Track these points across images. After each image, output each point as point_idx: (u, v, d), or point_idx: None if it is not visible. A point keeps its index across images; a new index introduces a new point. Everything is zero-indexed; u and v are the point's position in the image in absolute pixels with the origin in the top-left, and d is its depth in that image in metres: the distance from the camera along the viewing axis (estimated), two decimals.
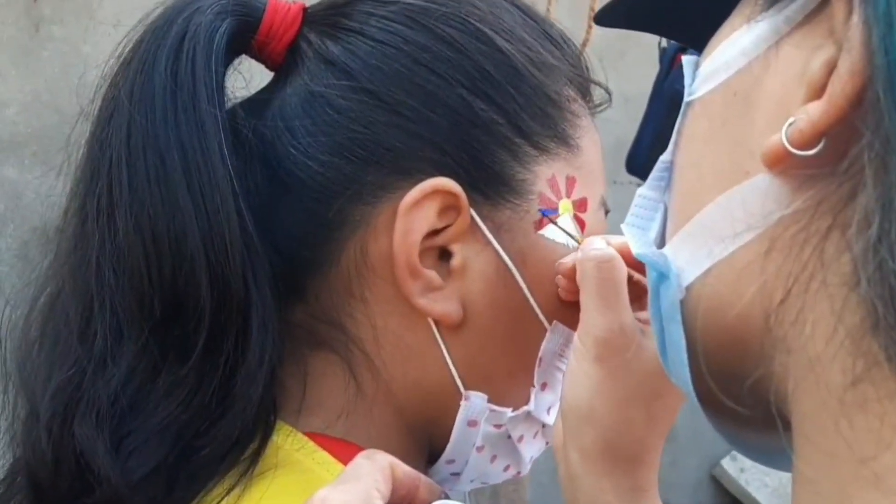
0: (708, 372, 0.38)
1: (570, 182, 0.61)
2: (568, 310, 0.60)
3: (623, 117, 2.14)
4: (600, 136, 0.65)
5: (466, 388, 0.60)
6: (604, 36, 1.78)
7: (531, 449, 0.65)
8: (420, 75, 0.58)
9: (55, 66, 1.98)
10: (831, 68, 0.33)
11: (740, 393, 0.37)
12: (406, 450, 0.60)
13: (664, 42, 2.25)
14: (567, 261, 0.59)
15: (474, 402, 0.60)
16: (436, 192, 0.57)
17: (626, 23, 0.54)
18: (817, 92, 0.33)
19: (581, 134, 0.62)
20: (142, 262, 0.55)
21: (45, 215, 0.62)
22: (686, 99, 0.43)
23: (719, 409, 0.39)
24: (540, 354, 0.61)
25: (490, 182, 0.58)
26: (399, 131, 0.57)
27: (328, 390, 0.60)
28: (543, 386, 0.62)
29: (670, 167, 0.44)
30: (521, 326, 0.60)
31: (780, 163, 0.35)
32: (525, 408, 0.62)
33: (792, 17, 0.36)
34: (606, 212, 0.64)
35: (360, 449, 0.57)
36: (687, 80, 0.43)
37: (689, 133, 0.42)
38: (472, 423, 0.61)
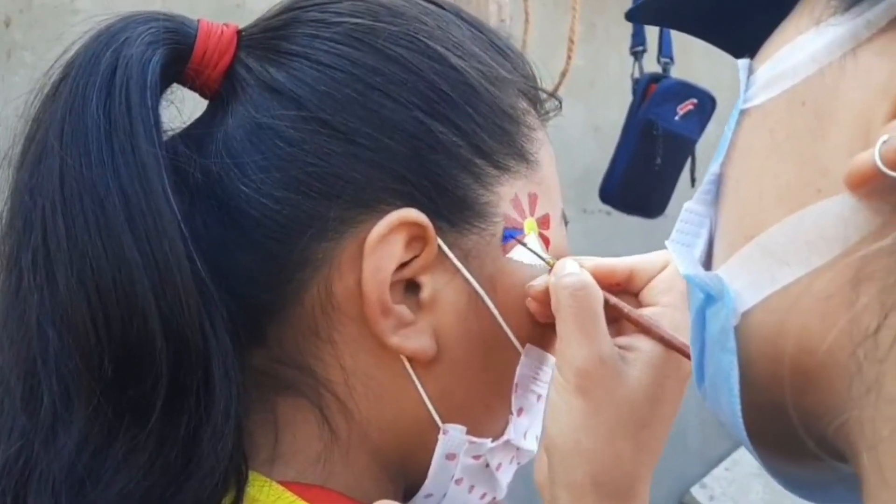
0: (793, 407, 0.35)
1: (533, 199, 0.59)
2: (540, 330, 0.59)
3: (592, 146, 2.16)
4: (554, 151, 0.63)
5: (443, 421, 0.58)
6: (573, 66, 1.80)
7: (508, 475, 0.63)
8: (373, 100, 0.55)
9: (26, 93, 1.97)
10: None
11: (822, 433, 0.34)
12: (384, 490, 0.58)
13: (636, 72, 2.27)
14: (538, 284, 0.58)
15: (453, 436, 0.58)
16: (402, 224, 0.54)
17: (658, 19, 0.51)
18: None
19: (538, 148, 0.60)
20: (87, 319, 0.50)
21: None
22: (741, 106, 0.39)
23: (769, 442, 0.37)
24: (515, 380, 0.59)
25: (454, 208, 0.56)
26: (357, 161, 0.54)
27: (301, 436, 0.57)
28: (520, 411, 0.61)
29: (718, 179, 0.41)
30: (494, 354, 0.58)
31: (866, 184, 0.31)
32: (504, 437, 0.60)
33: (875, 22, 0.33)
34: (566, 223, 0.63)
35: (340, 495, 0.56)
36: (742, 86, 0.40)
37: (744, 144, 0.39)
38: (451, 457, 0.59)
